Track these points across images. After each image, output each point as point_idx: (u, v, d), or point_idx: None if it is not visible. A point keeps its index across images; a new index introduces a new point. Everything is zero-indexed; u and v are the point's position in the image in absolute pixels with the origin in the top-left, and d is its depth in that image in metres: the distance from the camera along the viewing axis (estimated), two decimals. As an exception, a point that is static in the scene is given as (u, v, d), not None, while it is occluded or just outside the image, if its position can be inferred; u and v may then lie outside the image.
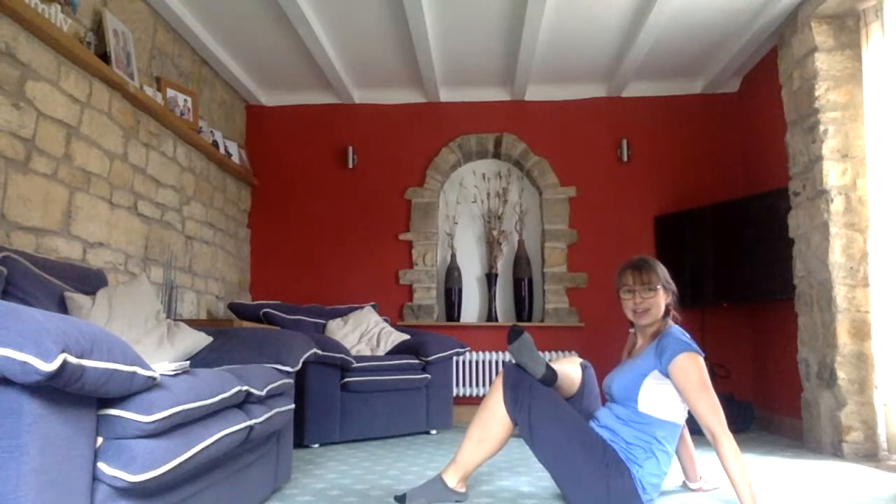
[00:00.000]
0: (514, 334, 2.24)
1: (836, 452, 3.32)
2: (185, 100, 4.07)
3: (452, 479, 2.27)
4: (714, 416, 2.08)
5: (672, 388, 2.19)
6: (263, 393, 2.03)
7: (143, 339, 2.33)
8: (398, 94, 5.22)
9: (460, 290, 5.07)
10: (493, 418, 2.24)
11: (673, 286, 2.35)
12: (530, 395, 2.18)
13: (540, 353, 2.28)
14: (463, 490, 2.29)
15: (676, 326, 2.30)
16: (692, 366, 2.14)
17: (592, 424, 2.27)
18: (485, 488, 2.51)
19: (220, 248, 4.68)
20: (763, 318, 4.58)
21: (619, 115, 5.16)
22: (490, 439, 2.25)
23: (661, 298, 2.30)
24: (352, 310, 4.58)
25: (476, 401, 4.74)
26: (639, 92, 5.13)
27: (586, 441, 2.15)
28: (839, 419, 3.32)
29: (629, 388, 2.23)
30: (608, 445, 2.16)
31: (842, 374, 3.34)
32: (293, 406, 2.46)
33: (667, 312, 2.34)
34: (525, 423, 2.19)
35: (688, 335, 2.24)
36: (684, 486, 2.54)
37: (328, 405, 3.62)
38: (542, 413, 2.17)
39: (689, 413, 2.23)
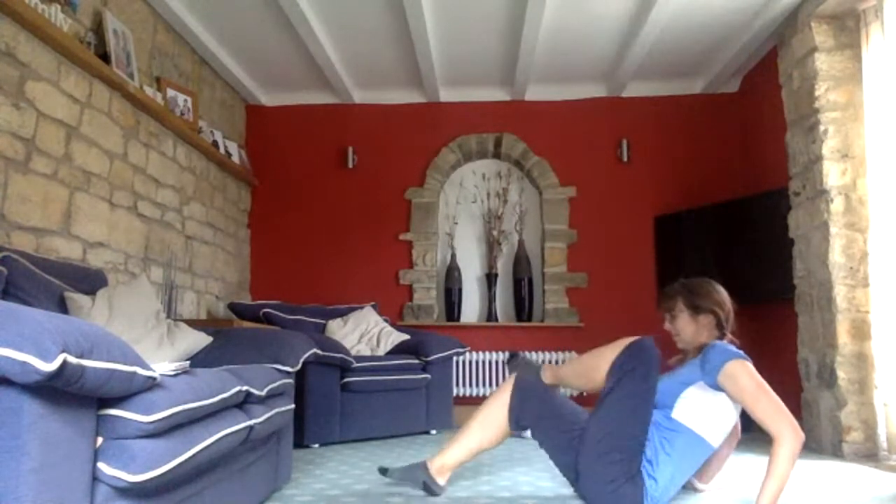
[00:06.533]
0: (511, 359, 2.40)
1: (836, 452, 3.32)
2: (185, 100, 4.07)
3: (435, 469, 2.30)
4: (777, 417, 2.02)
5: (718, 403, 2.16)
6: (263, 393, 2.03)
7: (143, 339, 2.33)
8: (398, 94, 5.22)
9: (460, 290, 5.07)
10: (493, 417, 2.26)
11: (718, 309, 2.34)
12: (540, 403, 2.22)
13: (539, 362, 2.37)
14: (443, 483, 2.31)
15: (723, 341, 2.29)
16: (741, 372, 2.12)
17: None
18: (485, 488, 2.51)
19: (220, 248, 4.68)
20: (763, 318, 4.58)
21: (619, 115, 5.16)
22: (484, 437, 2.28)
23: (689, 324, 2.34)
24: (352, 310, 4.58)
25: (476, 401, 4.74)
26: (639, 92, 5.13)
27: (599, 449, 2.14)
28: (839, 419, 3.32)
29: (667, 395, 2.21)
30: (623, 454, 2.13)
31: (842, 374, 3.34)
32: (293, 406, 2.46)
33: (721, 334, 2.33)
34: (534, 430, 2.23)
35: (734, 347, 2.22)
36: (689, 486, 2.50)
37: (328, 405, 3.62)
38: (547, 423, 2.20)
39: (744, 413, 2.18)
